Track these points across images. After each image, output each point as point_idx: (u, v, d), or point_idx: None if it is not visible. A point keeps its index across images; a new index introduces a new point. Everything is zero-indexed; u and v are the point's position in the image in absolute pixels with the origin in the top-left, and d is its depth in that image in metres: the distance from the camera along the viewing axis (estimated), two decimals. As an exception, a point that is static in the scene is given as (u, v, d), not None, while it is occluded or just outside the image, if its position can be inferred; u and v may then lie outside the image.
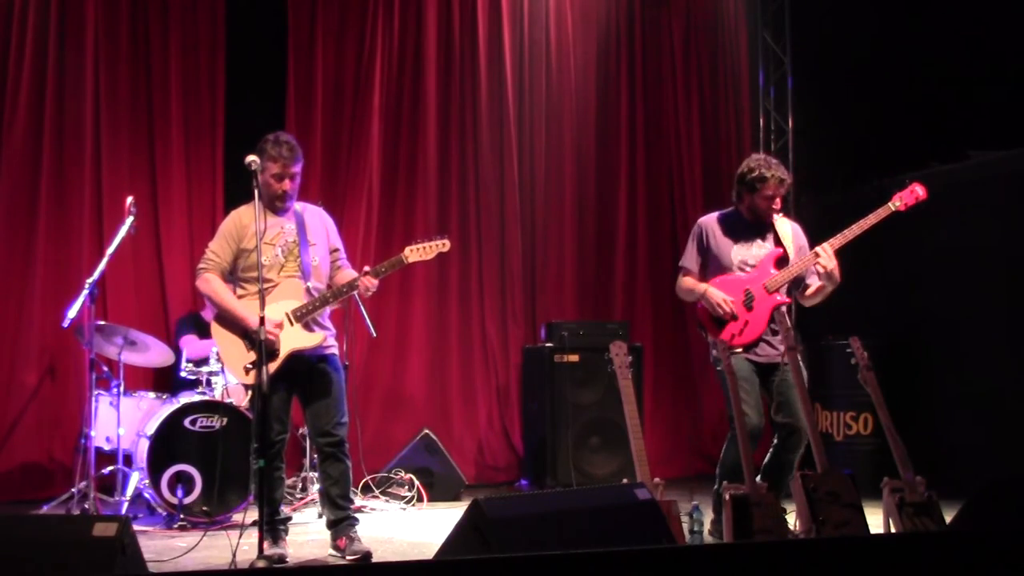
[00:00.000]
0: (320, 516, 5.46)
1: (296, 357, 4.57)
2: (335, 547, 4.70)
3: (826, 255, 4.79)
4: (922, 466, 4.53)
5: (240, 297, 4.65)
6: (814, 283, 4.96)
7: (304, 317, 4.58)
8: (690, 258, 5.10)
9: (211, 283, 4.63)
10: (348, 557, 4.57)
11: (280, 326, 4.52)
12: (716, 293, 4.92)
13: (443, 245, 4.69)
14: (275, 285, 4.58)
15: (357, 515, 4.85)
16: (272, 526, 4.56)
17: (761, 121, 8.36)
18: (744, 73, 8.45)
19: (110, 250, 5.57)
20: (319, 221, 4.85)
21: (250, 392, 5.16)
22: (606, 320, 7.52)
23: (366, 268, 4.65)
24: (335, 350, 4.80)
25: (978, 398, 6.57)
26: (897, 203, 4.90)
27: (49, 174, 6.51)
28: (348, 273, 4.80)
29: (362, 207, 7.21)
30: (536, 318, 7.66)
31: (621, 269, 7.98)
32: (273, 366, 4.45)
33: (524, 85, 7.79)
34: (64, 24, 6.58)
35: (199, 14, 6.90)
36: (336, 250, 4.88)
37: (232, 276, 4.70)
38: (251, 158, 4.46)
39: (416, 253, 4.64)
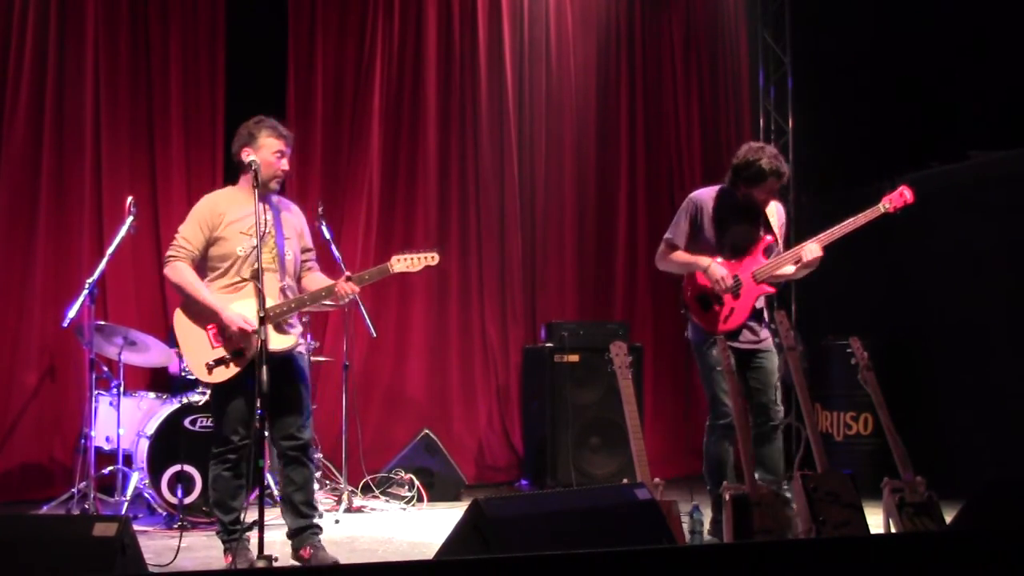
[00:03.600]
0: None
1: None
2: (298, 558, 4.39)
3: (811, 253, 4.80)
4: (922, 466, 4.54)
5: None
6: (791, 269, 4.95)
7: (277, 318, 4.29)
8: (679, 233, 4.99)
9: (182, 272, 4.33)
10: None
11: (251, 326, 4.20)
12: (719, 268, 4.85)
13: (431, 258, 4.44)
14: (248, 281, 4.30)
15: (320, 523, 4.57)
16: (232, 535, 4.34)
17: (761, 121, 8.36)
18: (744, 73, 8.46)
19: (110, 250, 5.58)
20: (295, 217, 4.62)
21: (209, 392, 4.80)
22: (606, 320, 7.52)
23: (347, 274, 4.39)
24: (302, 348, 4.70)
25: (978, 398, 6.57)
26: (887, 205, 4.90)
27: (49, 174, 6.50)
28: (318, 277, 4.59)
29: (362, 207, 7.21)
30: (536, 318, 7.66)
31: (621, 269, 7.98)
32: (238, 368, 4.25)
33: (524, 85, 7.79)
34: (64, 24, 6.57)
35: (199, 14, 6.90)
36: (309, 250, 4.65)
37: (201, 264, 4.42)
38: (251, 157, 4.43)
39: (402, 263, 4.41)
